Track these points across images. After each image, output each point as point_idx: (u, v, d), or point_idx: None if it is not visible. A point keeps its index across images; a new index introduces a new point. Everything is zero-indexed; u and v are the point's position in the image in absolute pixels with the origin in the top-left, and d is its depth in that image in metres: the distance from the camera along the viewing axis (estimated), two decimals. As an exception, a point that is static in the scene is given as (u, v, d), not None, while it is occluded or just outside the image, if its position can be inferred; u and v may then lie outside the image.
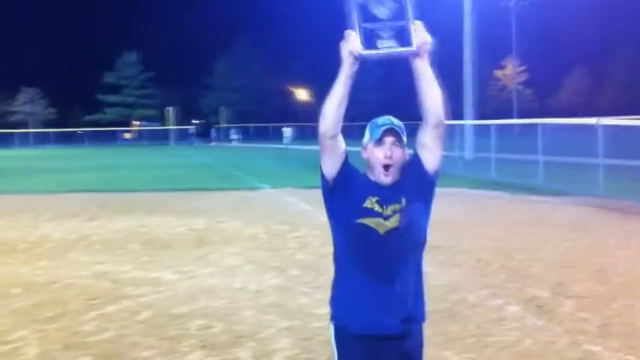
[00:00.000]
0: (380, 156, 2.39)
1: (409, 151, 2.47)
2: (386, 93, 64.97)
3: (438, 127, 2.40)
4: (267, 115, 73.71)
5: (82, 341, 4.96)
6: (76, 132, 69.07)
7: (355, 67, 2.30)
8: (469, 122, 26.22)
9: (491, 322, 5.29)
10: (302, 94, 78.77)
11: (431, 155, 2.45)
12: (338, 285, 2.51)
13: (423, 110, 2.38)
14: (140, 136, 74.73)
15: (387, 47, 2.27)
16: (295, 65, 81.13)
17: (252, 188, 17.11)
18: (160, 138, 68.98)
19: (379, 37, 2.26)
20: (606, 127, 14.79)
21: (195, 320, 5.45)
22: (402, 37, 2.26)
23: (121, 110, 76.68)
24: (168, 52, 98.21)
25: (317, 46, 53.31)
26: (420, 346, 2.52)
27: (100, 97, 76.41)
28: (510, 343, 4.77)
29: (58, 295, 6.38)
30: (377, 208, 2.37)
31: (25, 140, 64.95)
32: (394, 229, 2.37)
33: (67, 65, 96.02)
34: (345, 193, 2.41)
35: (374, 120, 2.48)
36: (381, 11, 2.25)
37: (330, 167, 2.41)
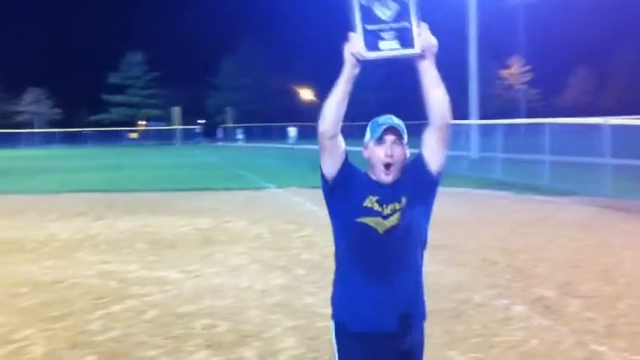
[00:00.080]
0: (381, 154, 2.39)
1: (411, 151, 2.47)
2: (386, 92, 64.71)
3: (443, 128, 2.39)
4: (272, 114, 73.63)
5: (88, 340, 4.98)
6: (81, 132, 69.32)
7: (357, 69, 2.29)
8: (474, 122, 26.16)
9: (497, 321, 5.28)
10: (306, 94, 78.62)
11: (434, 156, 2.45)
12: (338, 283, 2.53)
13: (428, 111, 2.38)
14: (146, 136, 74.92)
15: (390, 49, 2.24)
16: (300, 65, 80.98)
17: (258, 188, 17.14)
18: (165, 138, 69.15)
19: (382, 38, 2.23)
20: (613, 126, 14.75)
21: (201, 319, 5.47)
22: (405, 38, 2.23)
23: (126, 110, 76.70)
24: (174, 52, 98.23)
25: (321, 46, 53.28)
26: (421, 344, 2.52)
27: (106, 97, 76.40)
28: (516, 343, 4.77)
29: (64, 294, 6.41)
30: (376, 207, 2.38)
31: (30, 140, 65.16)
32: (393, 228, 2.37)
33: (72, 65, 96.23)
34: (345, 193, 2.42)
35: (375, 119, 2.48)
36: (384, 12, 2.22)
37: (330, 167, 2.41)
